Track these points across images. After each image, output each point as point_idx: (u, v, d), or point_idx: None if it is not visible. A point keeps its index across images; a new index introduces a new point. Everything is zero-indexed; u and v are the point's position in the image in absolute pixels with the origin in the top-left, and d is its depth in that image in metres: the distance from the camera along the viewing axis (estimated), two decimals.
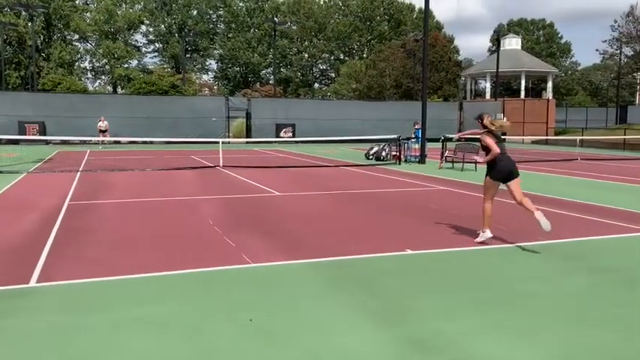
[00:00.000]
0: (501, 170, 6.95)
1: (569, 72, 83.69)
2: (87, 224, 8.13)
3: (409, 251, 6.59)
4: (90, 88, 64.50)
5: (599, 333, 4.15)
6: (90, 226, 8.02)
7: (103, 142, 28.38)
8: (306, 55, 75.25)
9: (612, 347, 3.90)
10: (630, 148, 29.04)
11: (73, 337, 4.00)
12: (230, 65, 74.87)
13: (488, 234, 6.96)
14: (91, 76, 70.34)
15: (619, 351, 3.84)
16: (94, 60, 68.59)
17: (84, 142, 29.63)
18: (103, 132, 27.68)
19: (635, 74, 52.46)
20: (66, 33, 63.24)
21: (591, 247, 6.96)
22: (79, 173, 15.39)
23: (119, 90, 66.13)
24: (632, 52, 39.48)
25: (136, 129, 30.62)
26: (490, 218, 7.02)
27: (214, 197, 10.99)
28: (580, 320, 4.42)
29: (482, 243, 6.92)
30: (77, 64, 65.97)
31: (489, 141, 6.90)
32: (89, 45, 67.42)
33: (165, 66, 69.70)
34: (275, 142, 31.98)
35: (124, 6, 68.77)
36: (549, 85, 48.74)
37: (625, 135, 30.78)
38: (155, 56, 74.28)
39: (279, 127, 34.50)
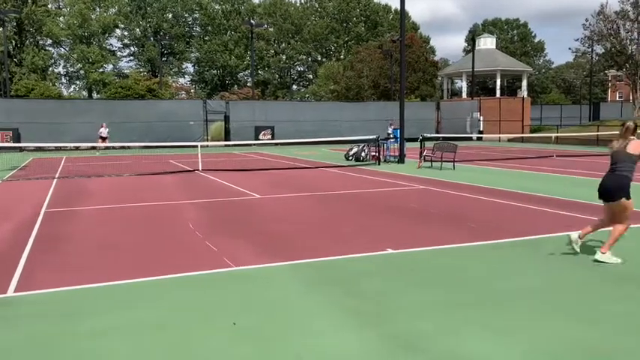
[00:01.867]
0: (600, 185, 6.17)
1: (543, 70, 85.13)
2: (65, 232, 8.02)
3: (390, 250, 6.64)
4: (65, 93, 63.53)
5: (580, 328, 4.24)
6: (68, 233, 7.91)
7: (99, 148, 28.31)
8: (284, 57, 75.24)
9: (593, 342, 3.98)
10: (603, 144, 29.55)
11: (56, 347, 3.96)
12: (207, 68, 74.46)
13: (573, 233, 6.22)
14: (65, 81, 69.34)
15: (600, 346, 3.93)
16: (68, 65, 67.62)
17: (59, 149, 29.18)
18: (103, 139, 27.39)
19: (606, 72, 53.59)
20: (39, 38, 62.22)
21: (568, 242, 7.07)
22: (55, 180, 15.15)
23: (94, 95, 65.27)
24: (603, 50, 40.25)
25: (113, 134, 30.23)
26: (591, 226, 6.30)
27: (194, 201, 10.93)
28: (558, 315, 4.51)
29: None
30: (51, 69, 64.92)
31: None
32: (63, 50, 66.42)
33: (141, 70, 68.99)
34: (254, 144, 31.89)
35: (98, 10, 67.91)
36: (524, 83, 49.49)
37: (598, 131, 31.41)
38: (131, 60, 73.58)
39: (258, 130, 34.42)
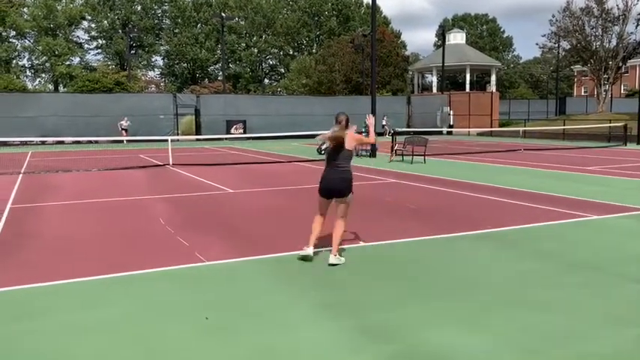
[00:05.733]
0: (321, 182, 6.30)
1: (512, 65, 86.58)
2: (31, 228, 7.84)
3: (362, 243, 6.70)
4: (29, 86, 61.89)
5: (540, 315, 4.35)
6: (34, 229, 7.74)
7: (127, 141, 29.47)
8: (256, 51, 74.71)
9: (553, 328, 4.10)
10: (569, 138, 30.32)
11: (20, 345, 3.87)
12: (177, 61, 73.46)
13: (307, 250, 5.86)
14: (30, 74, 67.55)
15: (559, 331, 4.04)
16: (33, 57, 65.89)
17: (25, 143, 28.45)
18: (125, 130, 29.92)
19: (572, 67, 54.78)
20: (1, 29, 60.40)
21: (533, 234, 7.25)
22: (20, 175, 14.78)
23: (61, 88, 63.75)
24: (569, 46, 41.11)
25: (80, 128, 29.64)
26: (314, 234, 5.96)
27: (165, 196, 10.80)
28: (522, 303, 4.61)
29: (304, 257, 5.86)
30: (15, 61, 63.15)
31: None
32: (27, 42, 64.66)
33: (109, 63, 67.68)
34: (226, 138, 31.64)
35: (63, 1, 66.24)
36: (493, 78, 50.22)
37: (564, 125, 32.16)
38: (98, 53, 72.10)
39: (229, 124, 34.12)
